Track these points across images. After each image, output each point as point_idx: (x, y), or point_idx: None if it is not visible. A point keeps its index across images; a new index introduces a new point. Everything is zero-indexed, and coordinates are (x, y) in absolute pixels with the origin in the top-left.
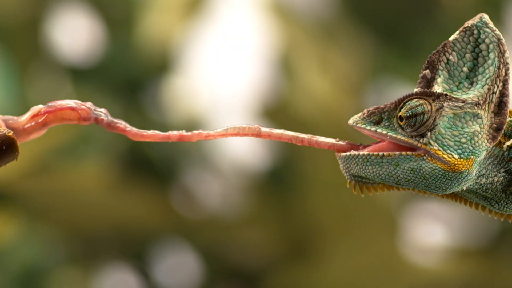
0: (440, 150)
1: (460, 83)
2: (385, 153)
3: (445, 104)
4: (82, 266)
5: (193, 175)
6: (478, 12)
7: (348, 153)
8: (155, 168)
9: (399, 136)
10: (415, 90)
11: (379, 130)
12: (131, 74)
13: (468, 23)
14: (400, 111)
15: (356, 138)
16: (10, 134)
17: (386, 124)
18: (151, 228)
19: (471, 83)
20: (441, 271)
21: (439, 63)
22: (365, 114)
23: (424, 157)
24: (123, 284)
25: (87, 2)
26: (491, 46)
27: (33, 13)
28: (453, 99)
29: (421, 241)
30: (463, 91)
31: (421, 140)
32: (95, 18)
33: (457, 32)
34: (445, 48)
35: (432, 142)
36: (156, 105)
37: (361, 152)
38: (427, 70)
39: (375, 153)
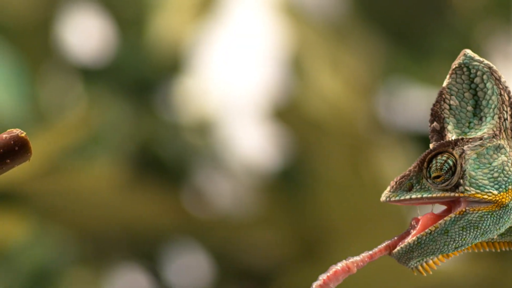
0: (478, 193)
1: (470, 122)
2: (431, 228)
3: (465, 147)
4: (92, 267)
5: (204, 175)
6: (489, 13)
7: (398, 248)
8: (166, 168)
9: (434, 195)
10: (430, 145)
11: (413, 196)
12: (142, 74)
13: (455, 63)
14: (429, 171)
15: (367, 138)
16: (23, 135)
17: (418, 188)
18: (161, 228)
19: (480, 119)
20: (451, 271)
21: (442, 112)
22: (394, 186)
23: (466, 211)
24: (134, 284)
25: (98, 2)
26: (484, 77)
27: (44, 13)
28: (470, 140)
29: None
30: (476, 129)
31: (457, 190)
32: (106, 19)
33: (448, 76)
34: (443, 96)
35: (468, 188)
36: (167, 105)
37: (409, 240)
38: (434, 123)
39: (423, 233)
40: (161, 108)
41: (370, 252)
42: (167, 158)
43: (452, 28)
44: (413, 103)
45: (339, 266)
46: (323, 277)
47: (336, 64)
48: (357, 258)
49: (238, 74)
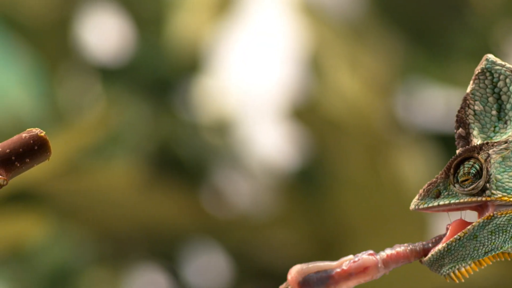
0: (505, 196)
1: (495, 127)
2: (460, 234)
3: (490, 151)
4: (111, 266)
5: (223, 175)
6: (507, 12)
7: (429, 256)
8: (185, 167)
9: (462, 200)
10: (457, 151)
11: (441, 203)
12: (161, 74)
13: (477, 69)
14: (456, 177)
15: (385, 137)
16: (42, 134)
17: (446, 194)
18: (180, 228)
19: (505, 122)
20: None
21: (467, 118)
22: (422, 194)
23: (494, 215)
24: (152, 284)
25: (116, 2)
26: (507, 80)
27: (62, 13)
28: (495, 144)
29: None
30: (501, 133)
31: (483, 194)
32: (125, 18)
33: (471, 82)
34: (467, 102)
35: (494, 192)
36: (186, 105)
37: (439, 247)
38: (460, 129)
39: (452, 239)
40: (179, 107)
41: (424, 244)
42: (185, 157)
43: (470, 27)
44: (432, 102)
45: (401, 248)
46: (387, 252)
47: (354, 64)
48: (414, 248)
49: (256, 74)
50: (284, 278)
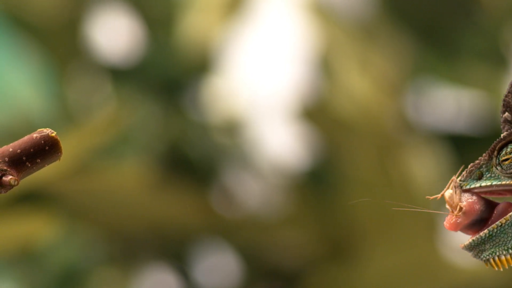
0: None
1: None
2: (501, 220)
3: None
4: (121, 266)
5: (233, 175)
6: None
7: (470, 241)
8: (195, 168)
9: (503, 182)
10: (502, 135)
11: (483, 184)
12: (171, 74)
13: None
14: (498, 158)
15: (395, 137)
16: (53, 134)
17: (488, 176)
18: (190, 228)
19: None
20: (480, 271)
21: None
22: (465, 175)
23: None
24: (162, 284)
25: (126, 2)
26: None
27: (72, 13)
28: None
29: (460, 241)
30: None
31: None
32: (135, 18)
33: None
34: None
35: None
36: (196, 105)
37: (481, 233)
38: (506, 113)
39: (493, 225)
40: (189, 108)
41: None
42: (195, 158)
43: (481, 27)
44: (442, 102)
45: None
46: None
47: (364, 64)
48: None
49: (266, 74)
50: (293, 278)
